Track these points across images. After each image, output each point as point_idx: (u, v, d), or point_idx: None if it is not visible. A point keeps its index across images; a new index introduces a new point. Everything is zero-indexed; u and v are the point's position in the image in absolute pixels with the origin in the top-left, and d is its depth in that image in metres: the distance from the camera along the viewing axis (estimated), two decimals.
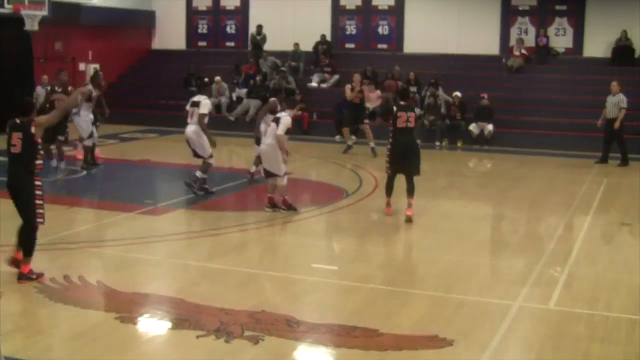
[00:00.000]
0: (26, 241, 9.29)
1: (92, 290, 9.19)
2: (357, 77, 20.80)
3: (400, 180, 13.03)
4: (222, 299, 8.80)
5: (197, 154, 14.65)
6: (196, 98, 14.67)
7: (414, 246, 11.87)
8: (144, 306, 8.66)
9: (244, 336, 7.68)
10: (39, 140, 9.27)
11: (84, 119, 16.97)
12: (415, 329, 8.07)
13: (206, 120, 14.28)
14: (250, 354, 7.32)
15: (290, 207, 13.26)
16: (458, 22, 26.46)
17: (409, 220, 12.81)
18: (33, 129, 9.09)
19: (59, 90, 16.87)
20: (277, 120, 12.88)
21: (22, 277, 9.25)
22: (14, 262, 9.46)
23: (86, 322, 8.12)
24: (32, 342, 7.55)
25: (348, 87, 20.64)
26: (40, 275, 9.35)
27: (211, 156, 14.54)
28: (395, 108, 13.01)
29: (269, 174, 13.24)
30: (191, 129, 14.44)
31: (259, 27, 27.93)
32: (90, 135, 17.19)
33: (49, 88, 18.18)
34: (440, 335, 7.81)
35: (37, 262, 10.17)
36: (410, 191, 12.96)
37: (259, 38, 27.74)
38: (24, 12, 22.28)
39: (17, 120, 9.16)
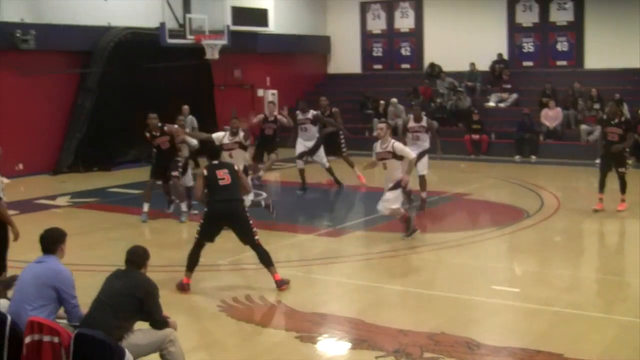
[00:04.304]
0: (264, 256, 10.17)
1: (273, 310, 9.34)
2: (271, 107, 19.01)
3: None
4: (401, 321, 8.72)
5: None
6: None
7: (601, 268, 11.37)
8: (323, 326, 8.70)
9: (423, 358, 7.57)
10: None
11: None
12: (603, 355, 7.72)
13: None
14: None
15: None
16: None
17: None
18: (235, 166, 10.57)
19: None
20: None
21: (280, 284, 10.04)
22: (182, 287, 10.10)
23: (267, 340, 8.25)
24: (215, 359, 7.72)
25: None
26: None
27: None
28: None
29: None
30: None
31: (431, 66, 27.96)
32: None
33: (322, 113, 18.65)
34: None
35: (221, 282, 10.48)
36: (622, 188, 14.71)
37: (435, 72, 27.67)
38: (204, 42, 23.20)
39: (216, 162, 10.34)
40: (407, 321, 8.70)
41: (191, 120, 21.81)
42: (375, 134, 13.03)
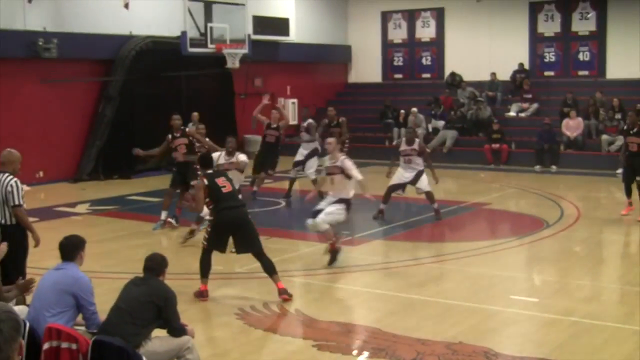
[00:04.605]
0: (268, 264, 10.04)
1: (291, 318, 9.34)
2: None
3: None
4: (419, 330, 8.69)
5: None
6: None
7: (621, 279, 11.29)
8: (341, 335, 8.69)
9: None
10: None
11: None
12: None
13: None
14: None
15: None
16: None
17: None
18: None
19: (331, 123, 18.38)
20: None
21: (282, 292, 9.88)
22: (200, 294, 10.01)
23: (284, 349, 8.25)
24: None
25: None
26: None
27: None
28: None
29: None
30: None
31: (452, 75, 27.87)
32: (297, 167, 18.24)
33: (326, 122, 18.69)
34: None
35: (239, 290, 10.49)
36: None
37: (456, 82, 27.58)
38: (225, 51, 23.34)
39: (210, 171, 10.35)
40: (425, 330, 8.68)
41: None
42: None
